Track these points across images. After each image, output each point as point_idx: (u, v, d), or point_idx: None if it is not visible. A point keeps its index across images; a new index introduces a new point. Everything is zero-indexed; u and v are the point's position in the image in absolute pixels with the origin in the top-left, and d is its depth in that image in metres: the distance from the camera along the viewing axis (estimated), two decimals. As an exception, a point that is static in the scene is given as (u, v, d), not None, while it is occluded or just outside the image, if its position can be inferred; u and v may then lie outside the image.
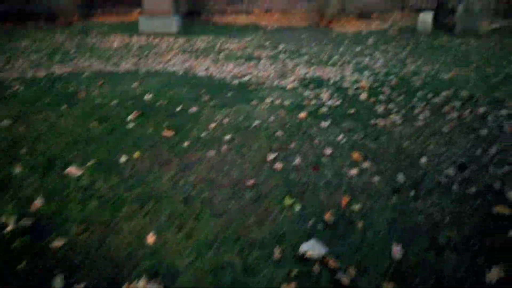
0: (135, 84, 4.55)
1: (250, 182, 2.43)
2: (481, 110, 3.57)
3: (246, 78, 5.04)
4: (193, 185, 2.39)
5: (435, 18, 8.73)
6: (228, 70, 5.56)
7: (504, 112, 3.49)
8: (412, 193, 2.31)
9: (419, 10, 10.45)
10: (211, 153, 2.79)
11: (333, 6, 10.17)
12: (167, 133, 3.10)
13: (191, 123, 3.33)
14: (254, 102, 3.94)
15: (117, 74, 5.27)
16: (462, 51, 6.60)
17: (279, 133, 3.16)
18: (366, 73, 5.22)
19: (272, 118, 3.48)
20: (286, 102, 3.92)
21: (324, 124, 3.34)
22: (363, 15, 11.19)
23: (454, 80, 4.68)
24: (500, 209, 2.13)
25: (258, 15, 12.44)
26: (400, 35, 8.49)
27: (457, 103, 3.76)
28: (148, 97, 4.04)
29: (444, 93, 4.06)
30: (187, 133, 3.13)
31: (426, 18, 8.38)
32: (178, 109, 3.69)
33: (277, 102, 3.94)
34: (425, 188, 2.36)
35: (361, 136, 3.10)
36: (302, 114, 3.55)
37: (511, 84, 4.42)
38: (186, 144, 2.92)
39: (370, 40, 8.02)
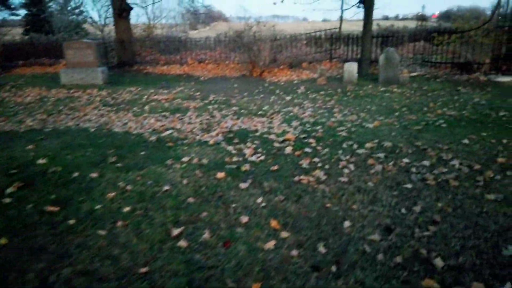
0: (30, 147, 3.96)
1: (143, 270, 1.97)
2: (404, 161, 3.48)
3: (167, 133, 4.66)
4: (67, 281, 1.88)
5: (360, 68, 9.16)
6: (149, 124, 5.16)
7: (426, 162, 3.42)
8: (333, 268, 2.00)
9: (346, 61, 11.02)
10: (101, 232, 2.30)
11: (265, 57, 10.37)
12: (52, 208, 2.56)
13: (85, 193, 2.82)
14: (169, 162, 3.54)
15: (16, 134, 4.63)
16: (385, 99, 6.83)
17: (191, 199, 2.77)
18: (294, 123, 5.09)
19: (185, 181, 3.09)
20: (205, 160, 3.58)
21: (244, 185, 3.02)
22: (294, 65, 11.57)
23: (378, 129, 4.68)
24: (428, 283, 1.88)
25: (192, 65, 12.37)
26: (328, 84, 8.73)
27: (381, 155, 3.66)
28: (41, 162, 3.47)
29: (368, 144, 3.97)
30: (77, 207, 2.61)
31: (351, 68, 8.74)
32: (75, 175, 3.16)
33: (195, 160, 3.58)
34: (348, 261, 2.06)
35: (283, 198, 2.81)
36: (221, 174, 3.21)
37: (431, 131, 4.48)
38: (71, 222, 2.41)
39: (301, 89, 8.12)
